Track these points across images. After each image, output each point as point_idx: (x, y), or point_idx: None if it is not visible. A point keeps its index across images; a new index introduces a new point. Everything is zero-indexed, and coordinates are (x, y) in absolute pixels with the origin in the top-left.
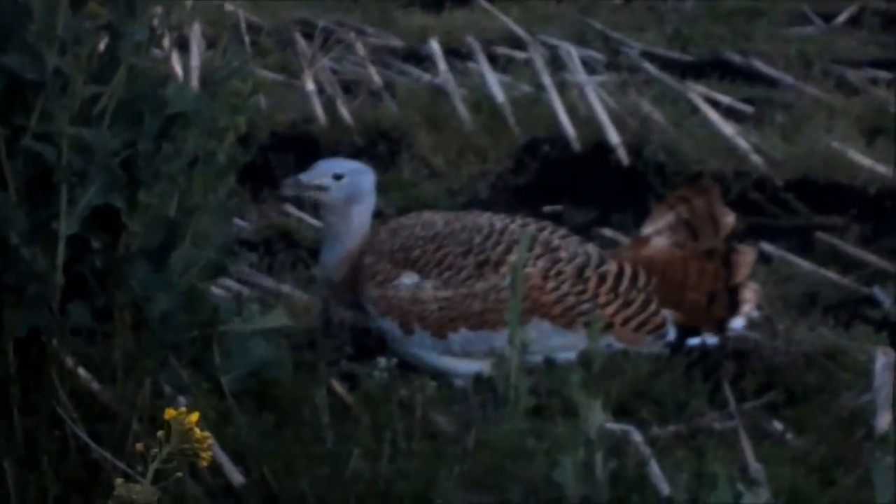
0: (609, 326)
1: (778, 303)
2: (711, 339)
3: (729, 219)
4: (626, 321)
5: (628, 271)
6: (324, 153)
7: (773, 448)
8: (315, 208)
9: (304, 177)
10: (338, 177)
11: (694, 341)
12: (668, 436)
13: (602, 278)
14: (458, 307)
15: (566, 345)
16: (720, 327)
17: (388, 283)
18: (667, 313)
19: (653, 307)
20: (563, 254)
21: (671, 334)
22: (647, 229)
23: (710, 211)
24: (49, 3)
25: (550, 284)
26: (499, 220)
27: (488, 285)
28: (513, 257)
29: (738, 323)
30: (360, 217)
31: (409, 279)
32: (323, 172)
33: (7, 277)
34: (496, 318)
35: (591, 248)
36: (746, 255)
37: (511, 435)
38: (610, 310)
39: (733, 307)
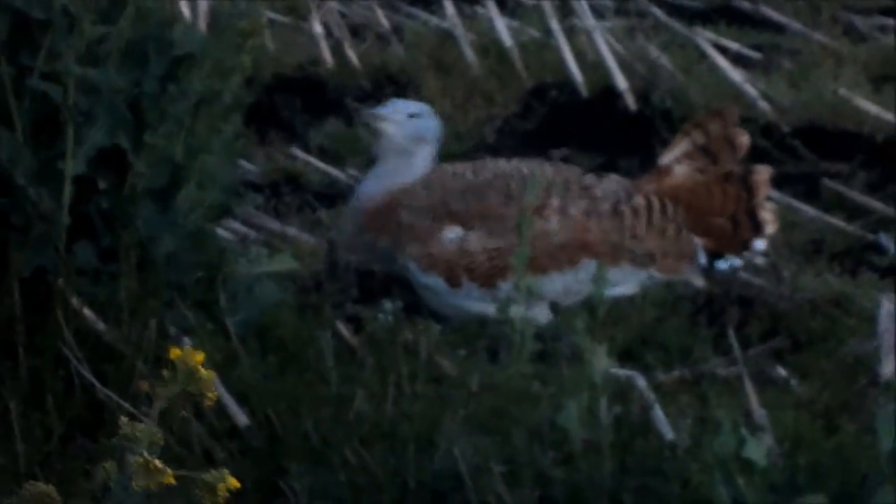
0: (651, 259)
1: (783, 249)
2: (736, 262)
3: (744, 139)
4: (664, 251)
5: (656, 203)
6: (330, 96)
7: (778, 394)
8: (323, 151)
9: (380, 112)
10: (412, 116)
11: (722, 265)
12: (673, 381)
13: (635, 212)
14: (507, 256)
15: (611, 281)
16: (743, 249)
17: (430, 239)
18: (696, 240)
19: (684, 235)
20: (597, 192)
21: (702, 259)
22: (664, 158)
23: (725, 133)
24: None
25: (593, 223)
26: (525, 166)
27: (535, 231)
28: (554, 200)
29: (760, 244)
30: (422, 160)
31: (452, 233)
32: (399, 109)
33: (13, 217)
34: (545, 263)
35: (617, 184)
36: (763, 175)
37: (516, 379)
38: (649, 242)
39: (756, 228)
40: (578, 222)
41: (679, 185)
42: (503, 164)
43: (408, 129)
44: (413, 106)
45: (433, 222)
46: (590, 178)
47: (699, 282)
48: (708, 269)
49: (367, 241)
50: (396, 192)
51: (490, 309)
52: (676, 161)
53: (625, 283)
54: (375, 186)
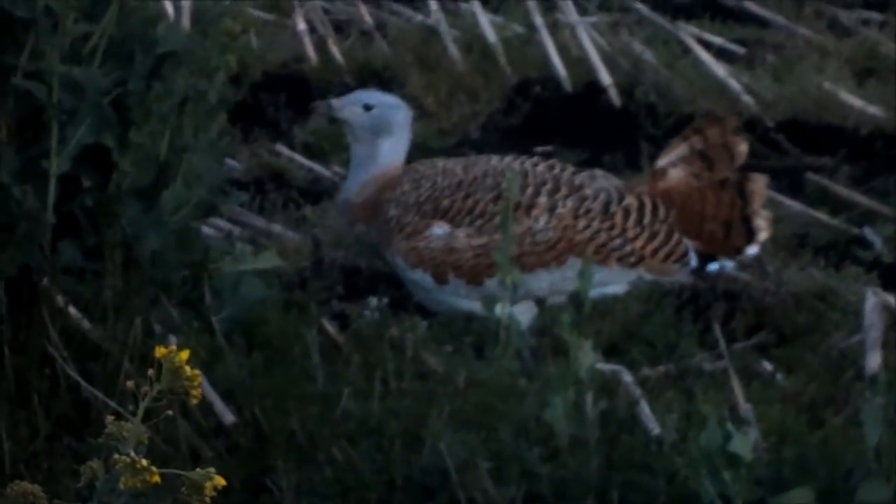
0: (640, 259)
1: (768, 243)
2: (728, 264)
3: (742, 147)
4: (654, 252)
5: (648, 204)
6: (315, 93)
7: (763, 388)
8: (307, 148)
9: (336, 102)
10: (368, 107)
11: (713, 266)
12: (659, 376)
13: (626, 212)
14: (494, 253)
15: (601, 281)
16: (735, 254)
17: (417, 235)
18: (688, 242)
19: (676, 236)
20: (588, 191)
21: (693, 261)
22: (661, 161)
23: (724, 140)
24: None
25: (582, 223)
26: (516, 163)
27: (522, 229)
28: (543, 199)
29: (752, 250)
30: (388, 150)
31: (440, 229)
32: (355, 101)
33: None
34: (532, 261)
35: (609, 183)
36: (759, 183)
37: (501, 375)
38: (639, 243)
39: (749, 235)
40: (567, 221)
41: (672, 189)
42: (494, 161)
43: (362, 120)
44: (372, 97)
45: (421, 218)
46: (581, 177)
47: (685, 277)
48: (698, 271)
49: (357, 232)
50: (383, 185)
51: (477, 305)
52: (672, 164)
53: (614, 282)
54: (355, 180)
